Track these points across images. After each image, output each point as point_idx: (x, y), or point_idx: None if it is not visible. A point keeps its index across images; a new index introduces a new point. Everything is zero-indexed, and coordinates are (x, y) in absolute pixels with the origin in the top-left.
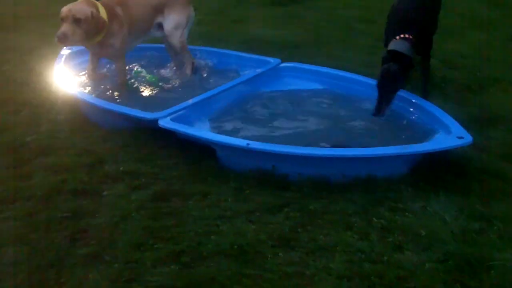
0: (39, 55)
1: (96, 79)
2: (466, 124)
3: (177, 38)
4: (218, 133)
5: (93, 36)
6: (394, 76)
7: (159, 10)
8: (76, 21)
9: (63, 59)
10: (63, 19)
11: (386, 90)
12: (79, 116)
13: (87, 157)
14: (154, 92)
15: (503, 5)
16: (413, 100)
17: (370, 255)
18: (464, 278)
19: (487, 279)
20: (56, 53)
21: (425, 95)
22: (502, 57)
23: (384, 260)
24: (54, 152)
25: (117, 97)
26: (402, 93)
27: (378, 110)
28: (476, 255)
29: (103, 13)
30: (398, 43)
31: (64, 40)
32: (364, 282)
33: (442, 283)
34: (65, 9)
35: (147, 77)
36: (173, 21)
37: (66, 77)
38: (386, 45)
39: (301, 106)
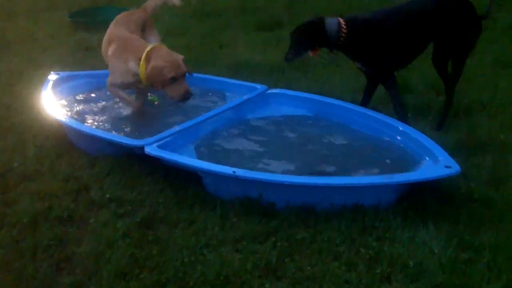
0: (26, 79)
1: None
2: (453, 150)
3: None
4: (204, 160)
5: None
6: (303, 28)
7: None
8: None
9: (50, 84)
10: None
11: (294, 38)
12: (65, 142)
13: (73, 183)
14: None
15: (489, 29)
16: (400, 128)
17: (358, 286)
18: None
19: None
20: (43, 77)
21: (400, 117)
22: (488, 82)
23: None
24: (40, 178)
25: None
26: (389, 120)
27: (285, 57)
28: (465, 287)
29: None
30: (331, 18)
31: None
32: None
33: None
34: None
35: (149, 97)
36: (158, 37)
37: (53, 103)
38: None
39: (287, 133)
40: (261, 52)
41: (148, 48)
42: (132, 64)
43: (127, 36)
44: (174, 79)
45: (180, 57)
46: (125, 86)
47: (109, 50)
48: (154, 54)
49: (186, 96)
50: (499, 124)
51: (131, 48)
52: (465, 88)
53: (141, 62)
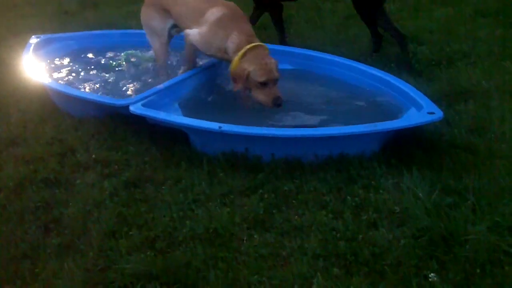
0: (7, 46)
1: None
2: (436, 99)
3: None
4: (190, 117)
5: None
6: None
7: None
8: None
9: (31, 48)
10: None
11: None
12: (50, 106)
13: (58, 146)
14: (127, 77)
15: None
16: (383, 77)
17: (344, 233)
18: (439, 253)
19: (461, 253)
20: (23, 43)
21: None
22: (469, 32)
23: (359, 238)
24: (25, 142)
25: None
26: (372, 70)
27: None
28: (450, 230)
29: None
30: None
31: None
32: (339, 261)
33: (417, 259)
34: None
35: (139, 55)
36: None
37: (35, 66)
38: None
39: None
40: (242, 10)
41: (249, 46)
42: (230, 46)
43: (233, 7)
44: (264, 84)
45: (273, 62)
46: (209, 54)
47: (209, 13)
48: (249, 53)
49: (276, 102)
50: (481, 72)
51: (238, 29)
52: (447, 38)
53: (237, 56)
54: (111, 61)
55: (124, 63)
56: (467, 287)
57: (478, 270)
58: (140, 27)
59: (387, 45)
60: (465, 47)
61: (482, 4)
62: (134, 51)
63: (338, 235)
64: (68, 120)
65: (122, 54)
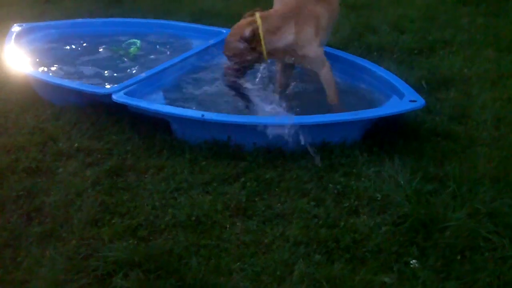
0: None
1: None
2: (417, 87)
3: None
4: (172, 105)
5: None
6: None
7: None
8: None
9: (13, 36)
10: None
11: None
12: (31, 94)
13: (40, 135)
14: (111, 66)
15: None
16: (365, 66)
17: (326, 220)
18: (419, 239)
19: (441, 239)
20: (4, 31)
21: None
22: (450, 20)
23: (340, 225)
24: (6, 132)
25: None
26: (354, 58)
27: None
28: (430, 216)
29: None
30: None
31: None
32: (321, 247)
33: (398, 245)
34: None
35: (130, 49)
36: None
37: (17, 55)
38: None
39: (254, 76)
40: None
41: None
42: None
43: None
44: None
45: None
46: None
47: None
48: None
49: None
50: (462, 60)
51: None
52: (428, 26)
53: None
54: (111, 48)
55: (122, 52)
56: (447, 273)
57: (458, 256)
58: (124, 16)
59: (369, 33)
60: (446, 36)
61: None
62: (135, 40)
63: (320, 222)
64: (50, 109)
65: (126, 42)
